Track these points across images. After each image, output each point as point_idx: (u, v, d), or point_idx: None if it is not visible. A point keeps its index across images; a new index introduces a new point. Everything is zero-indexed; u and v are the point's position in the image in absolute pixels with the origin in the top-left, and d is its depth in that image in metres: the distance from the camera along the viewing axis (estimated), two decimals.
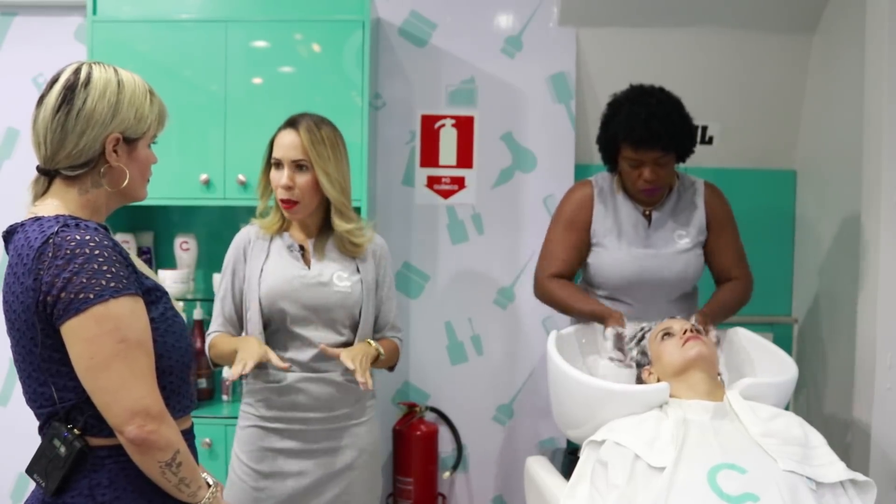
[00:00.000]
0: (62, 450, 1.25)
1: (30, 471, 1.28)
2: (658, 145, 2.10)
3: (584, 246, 2.27)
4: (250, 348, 1.81)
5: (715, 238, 2.26)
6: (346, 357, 1.82)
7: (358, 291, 1.95)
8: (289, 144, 1.90)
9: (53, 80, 1.30)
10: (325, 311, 1.92)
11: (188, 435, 1.41)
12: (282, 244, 1.97)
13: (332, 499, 1.93)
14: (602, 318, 2.12)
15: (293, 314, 1.91)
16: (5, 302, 1.28)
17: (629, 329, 2.06)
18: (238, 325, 1.99)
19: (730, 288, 2.26)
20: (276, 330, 1.93)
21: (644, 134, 2.09)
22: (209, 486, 1.35)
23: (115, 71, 1.32)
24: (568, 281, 2.26)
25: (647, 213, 2.26)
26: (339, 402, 1.95)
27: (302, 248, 1.98)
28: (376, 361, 1.95)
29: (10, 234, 1.31)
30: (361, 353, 1.87)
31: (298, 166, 1.89)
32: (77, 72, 1.30)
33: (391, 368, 2.10)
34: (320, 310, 1.92)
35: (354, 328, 1.96)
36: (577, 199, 2.29)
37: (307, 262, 1.96)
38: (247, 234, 2.01)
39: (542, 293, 2.30)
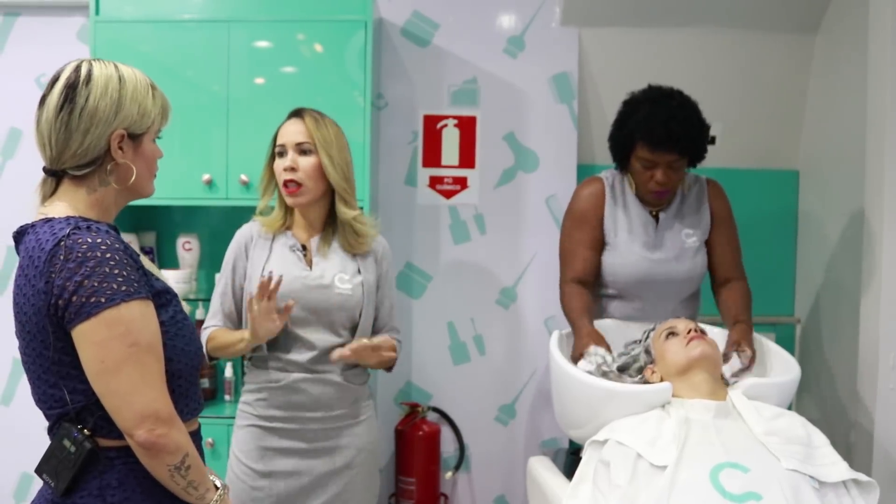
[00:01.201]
0: (72, 450, 1.24)
1: (39, 470, 1.28)
2: (675, 148, 2.09)
3: (599, 243, 2.24)
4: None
5: (715, 234, 2.26)
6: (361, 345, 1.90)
7: (359, 294, 1.95)
8: (293, 130, 1.93)
9: (54, 80, 1.29)
10: (325, 312, 1.92)
11: (195, 437, 1.40)
12: (284, 243, 1.97)
13: (330, 498, 1.94)
14: (576, 342, 2.10)
15: (294, 315, 1.91)
16: (16, 304, 1.28)
17: (605, 354, 2.02)
18: (238, 321, 1.99)
19: (742, 297, 2.21)
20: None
21: (663, 135, 2.06)
22: (217, 488, 1.35)
23: (116, 67, 1.31)
24: (581, 291, 2.21)
25: (655, 213, 2.25)
26: (338, 402, 1.95)
27: (304, 247, 1.98)
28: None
29: (20, 235, 1.31)
30: (376, 352, 1.93)
31: (302, 151, 1.92)
32: (77, 69, 1.28)
33: (389, 369, 2.10)
34: (321, 312, 1.92)
35: (353, 329, 1.97)
36: (588, 194, 2.27)
37: (309, 263, 1.96)
38: (249, 231, 2.01)
39: (565, 298, 2.26)
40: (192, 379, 1.38)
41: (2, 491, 2.93)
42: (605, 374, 1.96)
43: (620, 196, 2.25)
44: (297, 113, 1.97)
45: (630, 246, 2.21)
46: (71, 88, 1.26)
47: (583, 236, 2.24)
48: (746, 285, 2.26)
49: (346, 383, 1.96)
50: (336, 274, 1.94)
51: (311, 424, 1.93)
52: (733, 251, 2.27)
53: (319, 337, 1.93)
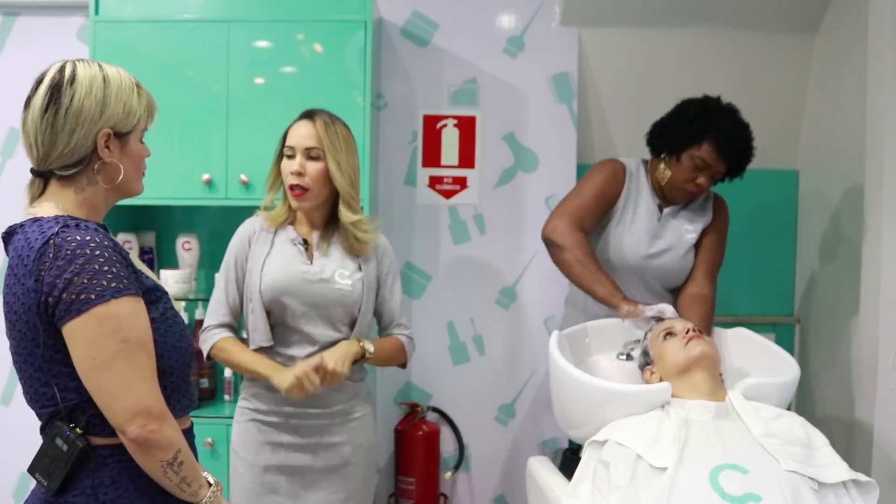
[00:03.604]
0: (64, 449, 1.25)
1: (32, 470, 1.28)
2: (739, 162, 2.18)
3: (603, 218, 2.29)
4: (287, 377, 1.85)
5: (705, 238, 2.31)
6: (326, 360, 1.85)
7: (359, 290, 1.96)
8: (303, 133, 1.93)
9: (38, 81, 1.29)
10: (324, 307, 1.93)
11: (188, 434, 1.41)
12: (286, 237, 1.98)
13: (330, 494, 1.95)
14: (615, 307, 2.11)
15: (293, 309, 1.92)
16: (6, 303, 1.27)
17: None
18: (241, 315, 2.00)
19: (705, 314, 2.22)
20: (275, 324, 1.94)
21: (739, 148, 2.16)
22: (210, 485, 1.36)
23: (100, 66, 1.31)
24: (588, 246, 2.20)
25: (661, 205, 2.32)
26: (336, 399, 1.96)
27: (305, 242, 1.98)
28: (363, 359, 1.95)
29: (9, 235, 1.31)
30: (340, 355, 1.88)
31: (311, 155, 1.92)
32: (61, 70, 1.28)
33: (403, 365, 2.10)
34: (320, 306, 1.93)
35: (353, 325, 1.97)
36: (613, 172, 2.30)
37: (310, 258, 1.96)
38: (252, 225, 2.02)
39: (560, 238, 2.19)
40: (184, 375, 1.38)
41: (1, 491, 2.93)
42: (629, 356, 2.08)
43: (636, 182, 2.32)
44: (309, 115, 1.96)
45: (632, 230, 2.27)
46: (55, 89, 1.27)
47: (596, 204, 2.25)
48: (713, 299, 2.28)
49: (345, 380, 1.96)
50: (336, 269, 1.95)
51: (310, 420, 1.94)
52: (710, 260, 2.31)
53: (319, 332, 1.94)
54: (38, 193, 1.32)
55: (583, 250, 2.17)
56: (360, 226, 1.97)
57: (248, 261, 1.97)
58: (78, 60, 1.31)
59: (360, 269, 1.98)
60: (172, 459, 1.26)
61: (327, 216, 2.00)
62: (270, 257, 1.95)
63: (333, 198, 1.97)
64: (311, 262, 1.95)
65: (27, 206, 1.32)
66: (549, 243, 2.24)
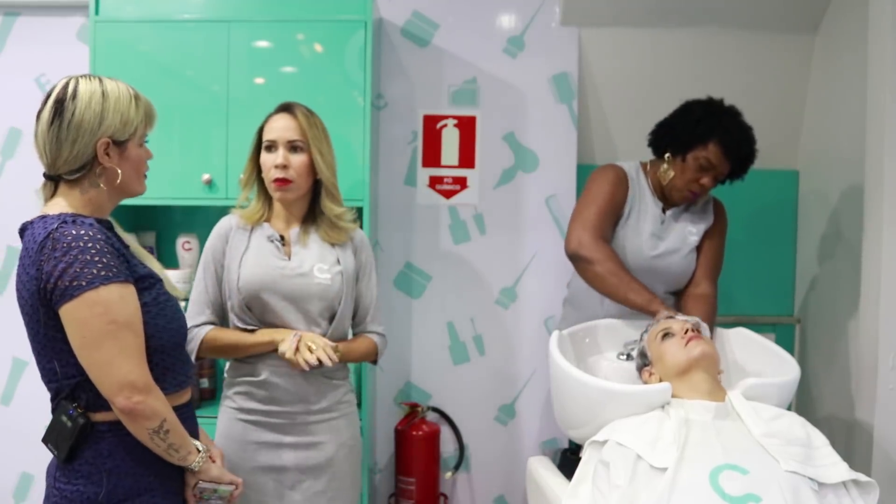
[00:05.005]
0: (69, 425, 1.43)
1: (45, 440, 1.48)
2: (740, 163, 2.19)
3: (614, 224, 2.29)
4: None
5: (706, 240, 2.33)
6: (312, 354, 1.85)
7: (338, 283, 1.96)
8: (284, 126, 1.94)
9: (47, 96, 1.47)
10: (303, 302, 1.93)
11: (187, 408, 1.59)
12: (262, 235, 1.98)
13: (314, 494, 1.94)
14: (654, 313, 2.10)
15: (272, 305, 1.92)
16: (17, 291, 1.46)
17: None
18: (222, 312, 1.99)
19: (709, 310, 2.24)
20: (259, 321, 1.94)
21: (746, 151, 2.18)
22: (199, 451, 1.53)
23: (101, 81, 1.48)
24: (616, 256, 2.18)
25: (663, 208, 2.33)
26: (316, 397, 1.96)
27: (282, 238, 1.98)
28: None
29: (23, 231, 1.48)
30: (320, 343, 1.87)
31: (293, 147, 1.93)
32: (66, 86, 1.46)
33: (374, 361, 2.11)
34: (299, 301, 1.92)
35: (332, 320, 1.97)
36: (617, 177, 2.30)
37: (287, 253, 1.96)
38: (227, 223, 2.01)
39: (588, 252, 2.17)
40: (177, 353, 1.55)
41: (2, 490, 2.93)
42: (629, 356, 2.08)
43: (637, 186, 2.32)
44: (288, 108, 1.98)
45: (638, 233, 2.28)
46: (59, 104, 1.45)
47: (609, 212, 2.25)
48: (715, 299, 2.30)
49: (325, 378, 1.97)
50: (315, 264, 1.95)
51: (292, 418, 1.94)
52: (712, 262, 2.32)
53: (299, 327, 1.93)
54: (50, 195, 1.50)
55: (613, 262, 2.16)
56: (343, 217, 2.00)
57: (224, 258, 1.97)
58: (81, 77, 1.48)
59: (338, 262, 1.98)
60: (158, 428, 1.44)
61: (306, 210, 2.01)
62: (247, 255, 1.95)
63: (313, 190, 1.99)
64: (289, 258, 1.95)
65: (41, 205, 1.49)
66: (577, 258, 2.21)
